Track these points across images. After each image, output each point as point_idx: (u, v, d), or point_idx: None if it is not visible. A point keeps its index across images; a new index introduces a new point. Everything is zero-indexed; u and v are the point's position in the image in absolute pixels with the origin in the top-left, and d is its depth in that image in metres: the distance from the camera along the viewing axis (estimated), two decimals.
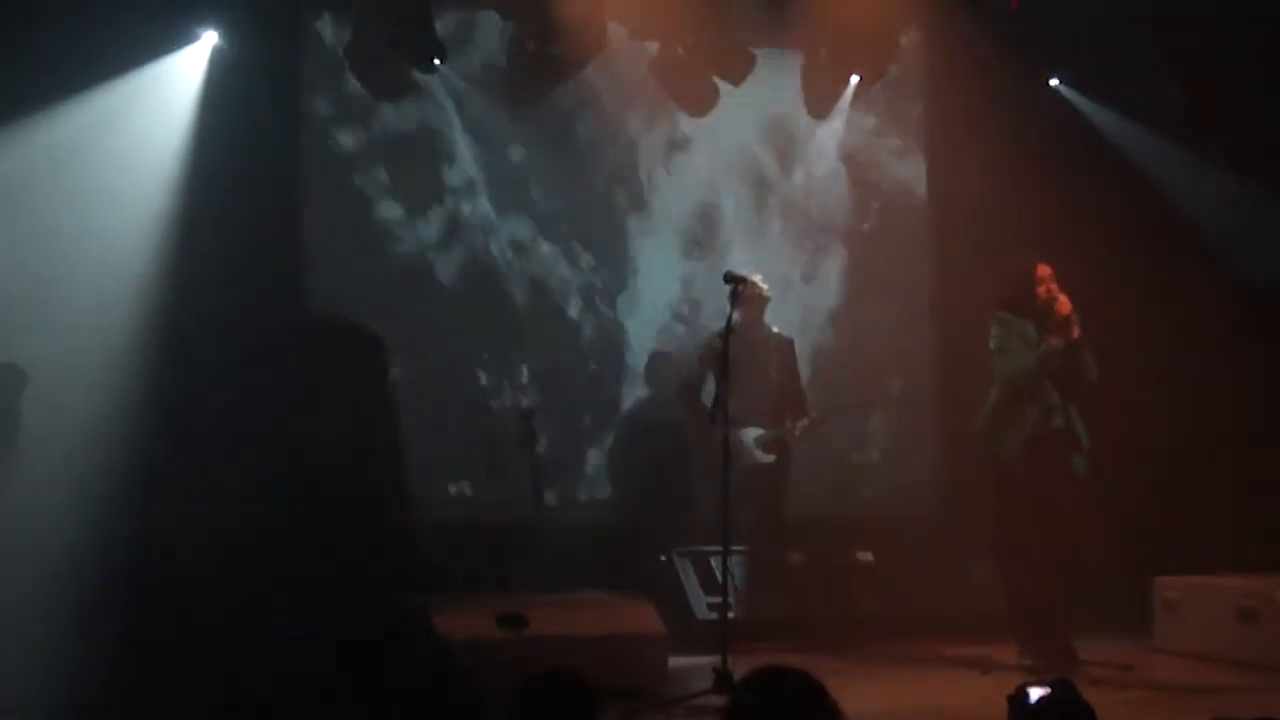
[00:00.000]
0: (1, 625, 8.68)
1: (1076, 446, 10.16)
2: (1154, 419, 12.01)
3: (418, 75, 12.05)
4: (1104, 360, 10.21)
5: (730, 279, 9.88)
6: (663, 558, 11.73)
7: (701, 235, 13.16)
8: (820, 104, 12.99)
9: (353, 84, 11.98)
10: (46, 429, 9.15)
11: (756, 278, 11.10)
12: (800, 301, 13.04)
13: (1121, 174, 12.78)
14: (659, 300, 13.01)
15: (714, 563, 11.12)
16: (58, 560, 9.23)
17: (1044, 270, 10.19)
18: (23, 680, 8.53)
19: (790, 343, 11.77)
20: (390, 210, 12.49)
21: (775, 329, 11.67)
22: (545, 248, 12.81)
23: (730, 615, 9.69)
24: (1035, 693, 5.49)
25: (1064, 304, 10.07)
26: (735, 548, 10.33)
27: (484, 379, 12.60)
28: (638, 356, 12.86)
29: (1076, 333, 10.05)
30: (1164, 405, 12.08)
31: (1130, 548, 11.73)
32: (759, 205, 13.28)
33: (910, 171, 13.58)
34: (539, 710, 4.99)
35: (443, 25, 11.95)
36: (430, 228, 12.59)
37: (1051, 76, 13.17)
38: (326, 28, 12.18)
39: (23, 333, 9.67)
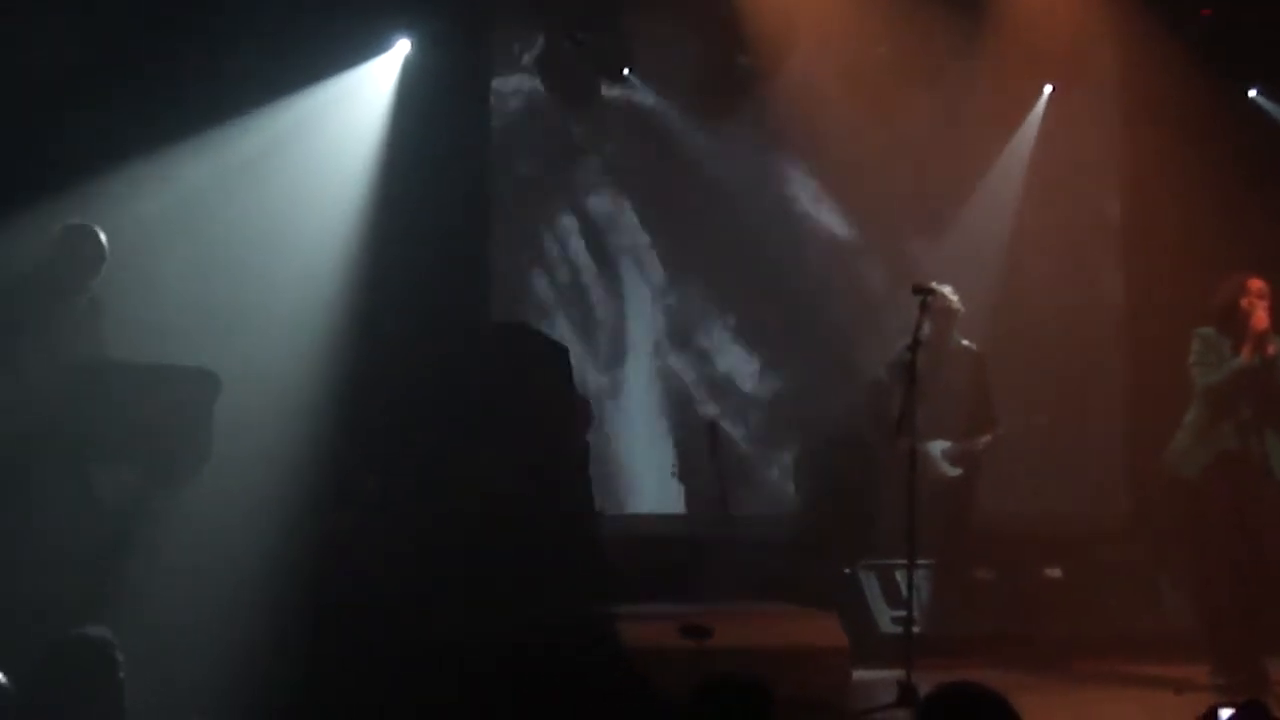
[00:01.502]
0: (195, 632, 8.79)
1: (1269, 474, 9.95)
2: None
3: (606, 85, 12.09)
4: None
5: (919, 290, 9.78)
6: (847, 570, 11.66)
7: (893, 243, 13.10)
8: (1012, 113, 12.88)
9: (542, 92, 12.04)
10: (238, 435, 9.26)
11: (946, 289, 10.97)
12: (991, 311, 12.87)
13: None
14: (842, 314, 12.93)
15: (899, 576, 11.03)
16: (249, 568, 9.34)
17: (1255, 284, 9.93)
18: (211, 686, 8.64)
19: (980, 355, 11.54)
20: (577, 216, 12.56)
21: (965, 342, 11.51)
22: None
23: (915, 629, 9.62)
24: (1225, 713, 5.43)
25: (1261, 319, 9.82)
26: (921, 561, 10.25)
27: (670, 388, 12.63)
28: (823, 367, 12.78)
29: (1271, 350, 9.81)
30: None
31: None
32: (944, 214, 13.16)
33: (1103, 183, 13.40)
34: (715, 711, 5.03)
35: (631, 35, 11.97)
36: (620, 237, 12.63)
37: (1249, 87, 12.93)
38: (517, 36, 12.24)
39: (216, 339, 9.80)
